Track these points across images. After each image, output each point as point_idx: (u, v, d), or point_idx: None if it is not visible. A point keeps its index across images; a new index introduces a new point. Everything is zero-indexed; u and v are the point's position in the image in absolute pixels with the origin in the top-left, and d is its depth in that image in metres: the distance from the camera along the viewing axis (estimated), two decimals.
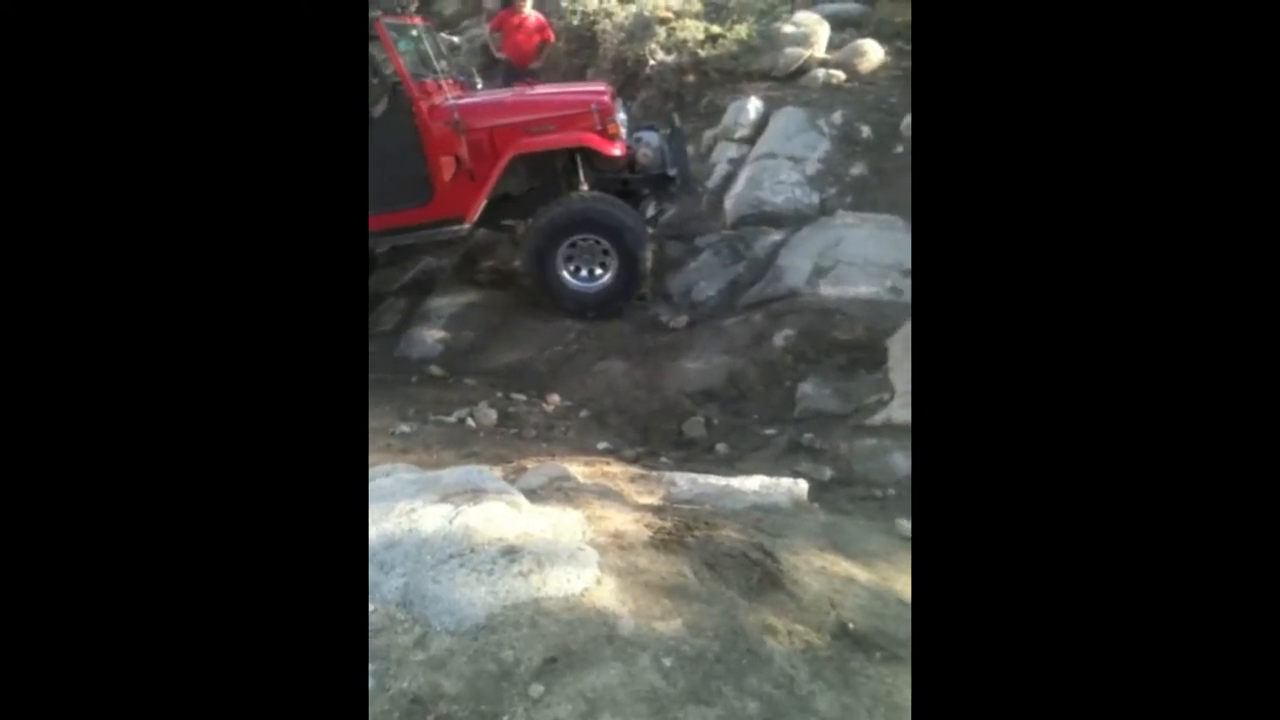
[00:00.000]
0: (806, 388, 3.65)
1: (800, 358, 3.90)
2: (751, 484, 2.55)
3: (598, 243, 4.15)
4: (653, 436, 3.48)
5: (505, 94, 4.59)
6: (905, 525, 2.37)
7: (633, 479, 2.65)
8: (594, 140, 4.13)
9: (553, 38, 6.75)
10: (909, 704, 1.56)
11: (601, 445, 3.31)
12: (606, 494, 2.28)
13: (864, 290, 4.24)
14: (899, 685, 1.60)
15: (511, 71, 6.31)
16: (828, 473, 3.03)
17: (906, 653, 1.71)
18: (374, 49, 4.13)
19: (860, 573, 2.02)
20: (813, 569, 1.97)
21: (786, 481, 2.57)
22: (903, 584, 2.03)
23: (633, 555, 1.84)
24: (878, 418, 3.30)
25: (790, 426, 3.41)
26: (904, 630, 1.79)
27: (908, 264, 4.42)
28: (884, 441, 3.19)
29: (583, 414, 3.65)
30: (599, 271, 4.24)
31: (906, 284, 4.26)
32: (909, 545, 2.28)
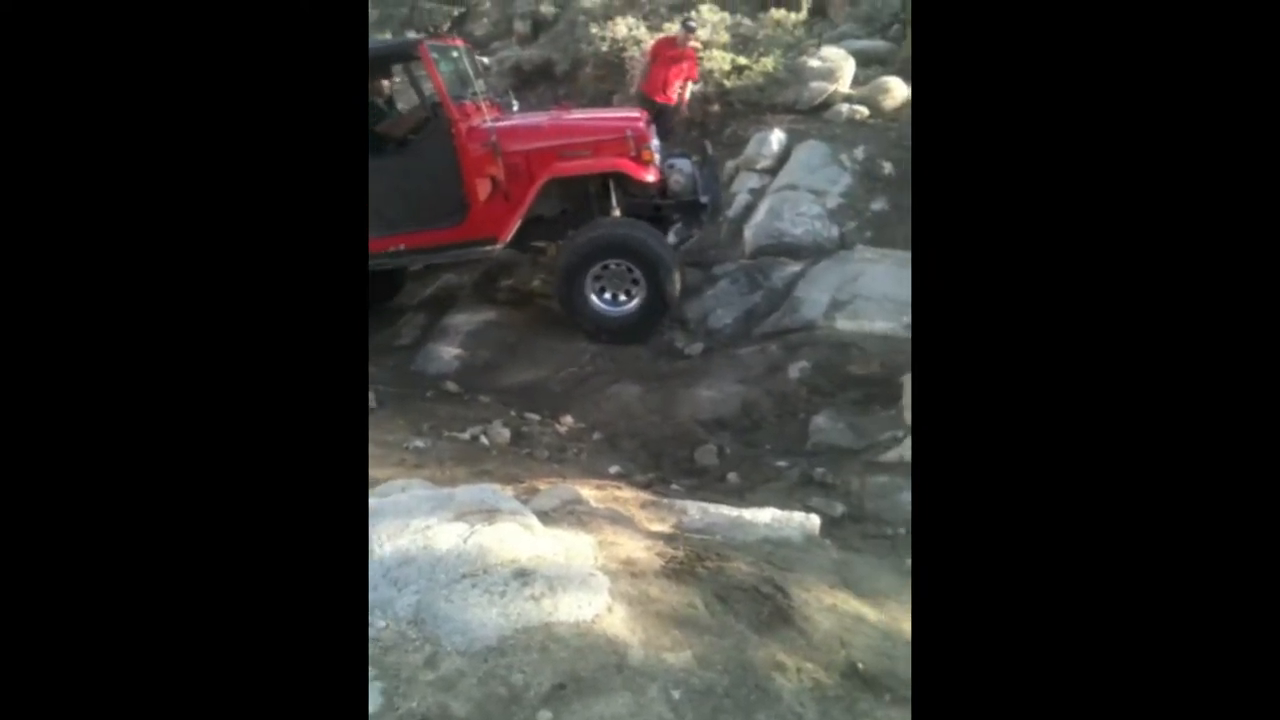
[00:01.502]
0: (820, 421, 3.64)
1: (815, 390, 3.90)
2: (764, 516, 2.54)
3: (629, 270, 4.17)
4: (664, 463, 3.48)
5: (541, 117, 4.61)
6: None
7: (644, 505, 2.65)
8: (628, 166, 4.18)
9: (697, 77, 6.20)
10: None
11: (613, 469, 3.31)
12: (618, 519, 2.28)
13: (881, 326, 4.24)
14: None
15: (650, 106, 5.70)
16: (839, 508, 3.01)
17: None
18: (415, 69, 4.20)
19: (871, 612, 2.01)
20: (823, 606, 1.96)
21: (799, 515, 2.56)
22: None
23: (644, 583, 1.83)
24: (890, 455, 3.29)
25: (803, 459, 3.41)
26: None
27: None
28: (896, 479, 3.17)
29: (595, 436, 3.65)
30: (623, 298, 4.29)
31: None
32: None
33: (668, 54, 5.97)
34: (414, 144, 4.18)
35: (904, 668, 1.78)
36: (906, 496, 3.06)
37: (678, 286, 4.25)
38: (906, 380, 3.73)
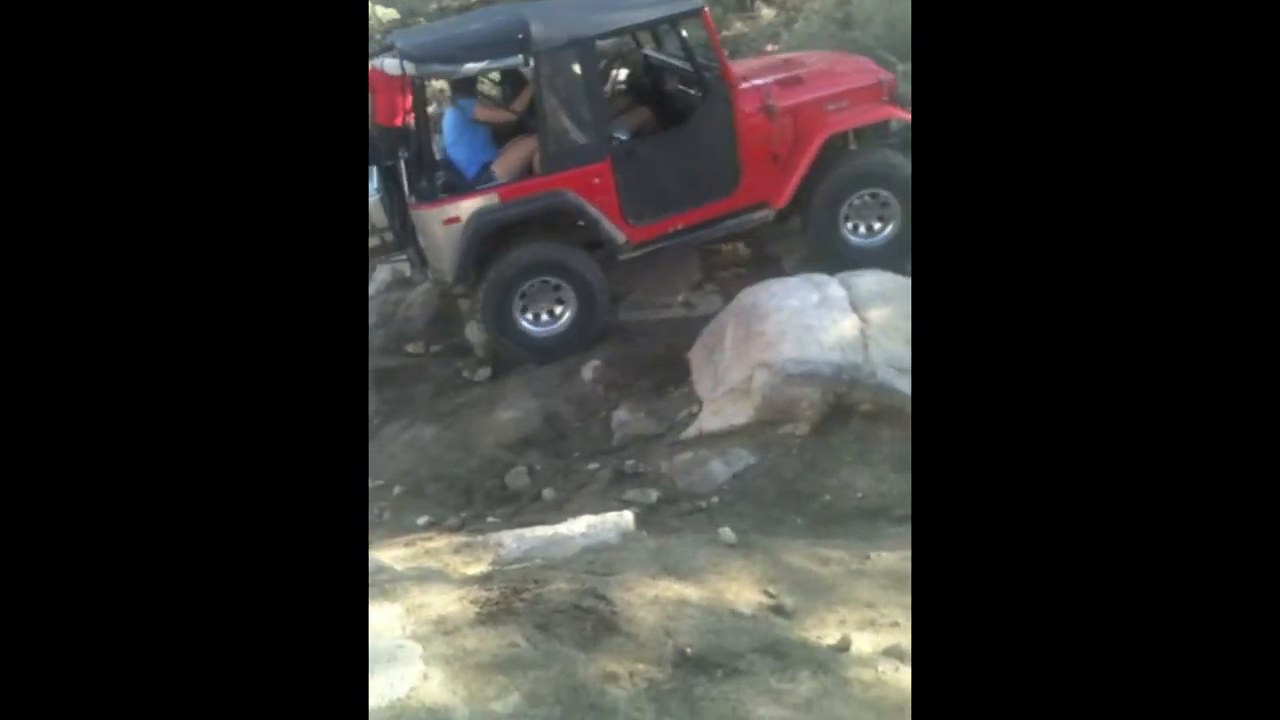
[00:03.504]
0: (621, 415, 3.69)
1: (611, 386, 3.94)
2: (579, 526, 2.52)
3: (874, 196, 4.00)
4: (476, 498, 3.37)
5: (787, 70, 4.17)
6: (728, 533, 2.45)
7: (457, 550, 2.54)
8: (898, 112, 4.01)
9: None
10: (756, 717, 1.59)
11: (421, 520, 3.15)
12: (427, 576, 2.16)
13: (660, 311, 4.37)
14: (743, 700, 1.63)
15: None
16: (654, 495, 3.07)
17: (746, 664, 1.75)
18: (680, 40, 3.82)
19: (692, 591, 2.06)
20: (646, 600, 1.98)
21: (612, 516, 2.57)
22: (733, 593, 2.09)
23: (459, 639, 1.74)
24: (690, 431, 3.41)
25: (612, 456, 3.44)
26: (740, 641, 1.83)
27: (694, 279, 4.63)
28: (700, 452, 3.29)
29: (397, 490, 3.46)
30: (877, 226, 4.09)
31: (696, 298, 4.45)
32: (734, 551, 2.35)
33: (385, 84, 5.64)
34: (689, 118, 3.86)
35: (730, 639, 1.84)
36: (713, 467, 3.18)
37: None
38: (692, 356, 3.88)
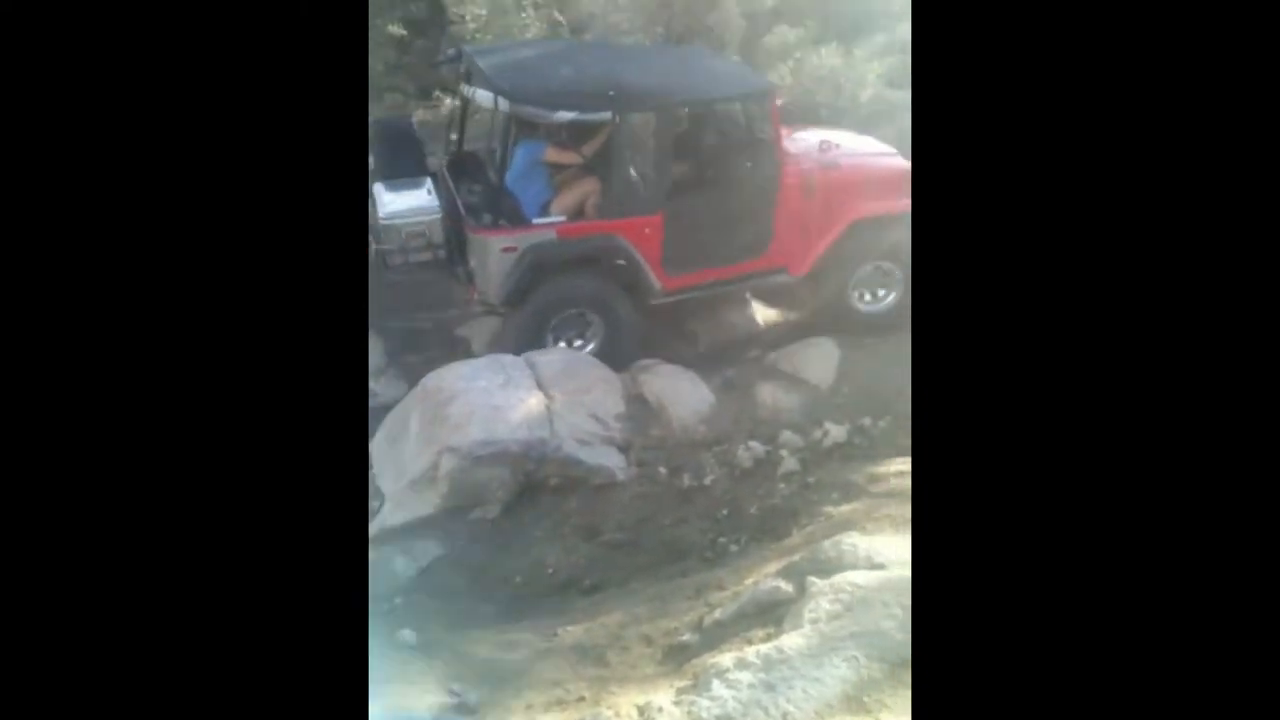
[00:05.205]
0: None
1: None
2: None
3: (877, 267, 4.40)
4: None
5: (825, 152, 4.38)
6: (408, 635, 2.24)
7: None
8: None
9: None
10: None
11: None
12: None
13: None
14: None
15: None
16: None
17: None
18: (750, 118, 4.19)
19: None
20: None
21: None
22: (413, 699, 1.89)
23: None
24: (373, 528, 3.13)
25: None
26: None
27: (376, 364, 4.37)
28: (384, 550, 3.03)
29: None
30: (881, 294, 4.49)
31: (379, 385, 4.19)
32: (416, 654, 2.15)
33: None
34: (737, 182, 4.20)
35: None
36: (396, 566, 2.94)
37: None
38: (373, 447, 3.61)
